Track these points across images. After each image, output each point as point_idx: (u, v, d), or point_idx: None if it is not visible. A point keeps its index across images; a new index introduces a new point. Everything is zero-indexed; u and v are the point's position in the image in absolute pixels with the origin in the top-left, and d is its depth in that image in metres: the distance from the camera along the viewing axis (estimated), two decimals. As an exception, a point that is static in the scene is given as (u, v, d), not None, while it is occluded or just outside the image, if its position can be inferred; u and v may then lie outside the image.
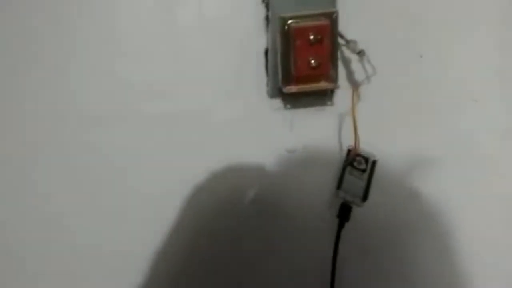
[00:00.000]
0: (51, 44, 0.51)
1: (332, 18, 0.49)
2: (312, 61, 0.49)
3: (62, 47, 0.51)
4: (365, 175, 0.52)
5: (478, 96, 0.57)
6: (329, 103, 0.55)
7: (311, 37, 0.48)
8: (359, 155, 0.51)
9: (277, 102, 0.54)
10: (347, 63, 0.54)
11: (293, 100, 0.54)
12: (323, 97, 0.55)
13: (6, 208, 0.53)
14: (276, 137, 0.55)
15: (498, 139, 0.58)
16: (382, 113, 0.55)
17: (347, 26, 0.51)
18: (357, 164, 0.52)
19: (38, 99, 0.52)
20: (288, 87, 0.50)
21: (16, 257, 0.54)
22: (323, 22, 0.48)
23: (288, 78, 0.50)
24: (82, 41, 0.51)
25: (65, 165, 0.53)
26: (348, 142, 0.53)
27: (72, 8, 0.51)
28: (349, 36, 0.52)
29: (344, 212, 0.52)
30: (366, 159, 0.52)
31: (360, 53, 0.49)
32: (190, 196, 0.54)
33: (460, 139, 0.57)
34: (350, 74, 0.55)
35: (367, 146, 0.53)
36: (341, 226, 0.52)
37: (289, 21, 0.49)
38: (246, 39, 0.53)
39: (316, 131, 0.55)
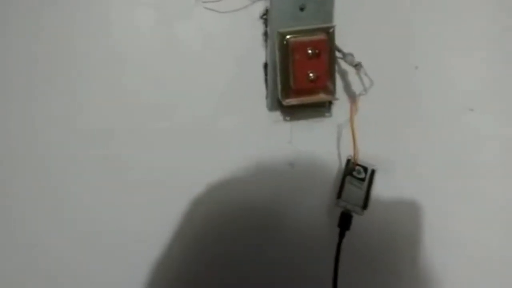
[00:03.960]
0: (58, 61, 0.52)
1: (329, 33, 0.50)
2: (311, 75, 0.50)
3: (68, 63, 0.52)
4: (365, 184, 0.53)
5: (473, 105, 0.58)
6: (327, 114, 0.56)
7: (309, 51, 0.49)
8: (358, 164, 0.52)
9: (277, 115, 0.55)
10: (344, 75, 0.56)
11: (292, 113, 0.55)
12: (322, 108, 0.56)
13: (20, 217, 0.54)
14: (276, 148, 0.56)
15: (495, 147, 0.59)
16: (379, 124, 0.57)
17: (344, 40, 0.53)
18: (356, 174, 0.53)
19: (47, 113, 0.53)
20: (287, 100, 0.51)
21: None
22: (320, 36, 0.50)
23: (287, 91, 0.51)
24: (87, 58, 0.52)
25: (74, 178, 0.54)
26: (347, 152, 0.54)
27: (78, 26, 0.52)
28: (346, 49, 0.53)
29: (344, 221, 0.53)
30: (365, 169, 0.53)
31: (357, 66, 0.50)
32: (192, 208, 0.54)
33: (457, 148, 0.58)
34: (348, 86, 0.56)
35: (365, 156, 0.54)
36: (342, 235, 0.53)
37: (288, 36, 0.50)
38: (245, 54, 0.54)
39: (315, 142, 0.56)
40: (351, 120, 0.50)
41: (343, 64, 0.54)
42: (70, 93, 0.52)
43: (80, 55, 0.52)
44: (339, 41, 0.53)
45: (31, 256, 0.54)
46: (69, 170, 0.53)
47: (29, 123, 0.53)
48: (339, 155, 0.56)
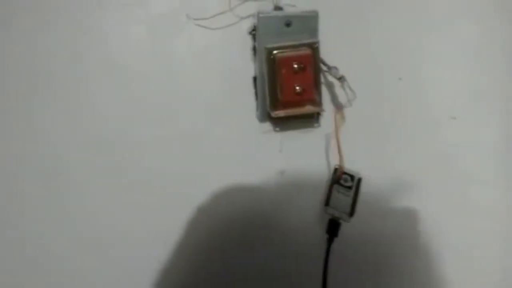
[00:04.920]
0: (51, 74, 0.54)
1: (313, 48, 0.53)
2: (297, 88, 0.52)
3: (62, 77, 0.54)
4: (351, 192, 0.54)
5: (456, 113, 0.60)
6: (316, 125, 0.58)
7: (295, 65, 0.52)
8: (345, 173, 0.54)
9: (267, 126, 0.57)
10: (331, 87, 0.58)
11: (282, 124, 0.57)
12: (310, 119, 0.58)
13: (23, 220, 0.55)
14: (266, 158, 0.57)
15: (477, 154, 0.61)
16: (366, 133, 0.59)
17: (330, 53, 0.55)
18: (343, 182, 0.55)
19: (44, 120, 0.55)
20: (276, 112, 0.53)
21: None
22: (306, 51, 0.52)
23: (275, 104, 0.54)
24: (81, 70, 0.54)
25: (76, 185, 0.55)
26: (335, 161, 0.56)
27: (74, 43, 0.54)
28: (331, 63, 0.55)
29: (332, 228, 0.55)
30: (352, 177, 0.55)
31: (341, 79, 0.52)
32: (183, 216, 0.56)
33: (440, 156, 0.60)
34: (334, 98, 0.58)
35: (352, 165, 0.56)
36: (330, 241, 0.54)
37: (274, 52, 0.52)
38: (235, 68, 0.57)
39: (304, 152, 0.58)
40: (336, 130, 0.52)
41: (329, 77, 0.56)
42: (66, 102, 0.54)
43: (73, 66, 0.54)
44: (325, 54, 0.55)
45: (33, 258, 0.55)
46: (72, 177, 0.55)
47: (30, 129, 0.54)
48: (328, 164, 0.58)
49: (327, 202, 0.55)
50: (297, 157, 0.58)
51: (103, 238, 0.56)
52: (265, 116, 0.56)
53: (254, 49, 0.56)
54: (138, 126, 0.55)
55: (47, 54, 0.54)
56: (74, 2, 0.54)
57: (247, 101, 0.57)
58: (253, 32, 0.55)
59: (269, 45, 0.53)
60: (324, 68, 0.55)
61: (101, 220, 0.56)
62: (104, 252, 0.56)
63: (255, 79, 0.56)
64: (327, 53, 0.55)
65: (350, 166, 0.56)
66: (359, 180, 0.55)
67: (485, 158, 0.61)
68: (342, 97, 0.57)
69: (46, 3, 0.54)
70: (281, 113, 0.53)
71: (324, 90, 0.58)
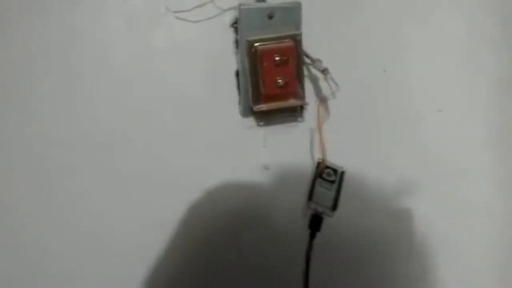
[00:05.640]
0: (30, 70, 0.53)
1: (296, 40, 0.52)
2: (279, 81, 0.51)
3: (41, 72, 0.53)
4: (334, 186, 0.54)
5: (441, 106, 0.60)
6: (300, 119, 0.57)
7: (277, 58, 0.51)
8: (328, 167, 0.54)
9: (250, 120, 0.57)
10: (315, 80, 0.57)
11: (265, 118, 0.56)
12: (294, 113, 0.57)
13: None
14: (250, 154, 0.57)
15: (463, 146, 0.60)
16: (351, 127, 0.58)
17: (315, 46, 0.55)
18: (326, 176, 0.54)
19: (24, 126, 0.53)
20: (258, 106, 0.53)
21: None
22: (288, 44, 0.51)
23: (258, 97, 0.53)
24: (60, 66, 0.53)
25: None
26: (319, 155, 0.56)
27: (51, 35, 0.52)
28: (315, 55, 0.55)
29: (315, 223, 0.54)
30: (335, 171, 0.54)
31: (324, 71, 0.52)
32: (168, 212, 0.55)
33: (426, 148, 0.59)
34: (318, 91, 0.58)
35: (337, 159, 0.56)
36: (312, 236, 0.54)
37: (256, 44, 0.52)
38: (218, 61, 0.55)
39: (289, 146, 0.57)
40: (319, 124, 0.52)
41: (313, 70, 0.55)
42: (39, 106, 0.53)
43: (53, 62, 0.53)
44: (308, 47, 0.55)
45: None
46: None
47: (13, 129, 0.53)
48: (312, 158, 0.58)
49: (310, 197, 0.54)
50: (281, 152, 0.57)
51: (91, 235, 0.55)
52: (248, 110, 0.56)
53: (237, 42, 0.55)
54: (117, 122, 0.54)
55: (25, 51, 0.53)
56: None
57: (230, 96, 0.56)
58: (235, 24, 0.54)
59: (251, 38, 0.52)
60: (308, 60, 0.55)
61: (87, 220, 0.55)
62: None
63: (237, 73, 0.55)
64: (310, 46, 0.55)
65: (334, 160, 0.56)
66: (342, 173, 0.54)
67: (471, 151, 0.60)
68: (326, 90, 0.56)
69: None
70: (263, 107, 0.53)
71: (307, 83, 0.57)
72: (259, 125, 0.57)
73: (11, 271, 0.54)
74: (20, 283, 0.54)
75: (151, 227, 0.55)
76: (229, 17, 0.55)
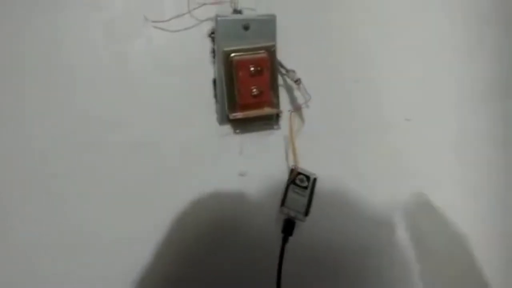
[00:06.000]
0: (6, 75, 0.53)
1: (270, 51, 0.54)
2: (254, 90, 0.53)
3: (16, 77, 0.53)
4: (307, 192, 0.56)
5: (410, 115, 0.62)
6: (275, 127, 0.59)
7: (252, 68, 0.53)
8: (300, 173, 0.56)
9: (227, 128, 0.58)
10: (290, 90, 0.59)
11: (242, 126, 0.58)
12: (270, 121, 0.59)
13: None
14: (227, 161, 0.58)
15: (431, 153, 0.63)
16: (324, 134, 0.60)
17: (289, 56, 0.56)
18: (299, 182, 0.56)
19: None
20: (233, 114, 0.54)
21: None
22: (262, 55, 0.53)
23: (233, 106, 0.55)
24: (35, 72, 0.53)
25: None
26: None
27: (27, 40, 0.52)
28: (290, 65, 0.57)
29: (288, 227, 0.56)
30: (308, 177, 0.56)
31: (297, 82, 0.54)
32: (145, 218, 0.56)
33: (395, 155, 0.62)
34: (293, 100, 0.60)
35: (310, 166, 0.57)
36: (285, 240, 0.55)
37: (232, 54, 0.53)
38: (195, 70, 0.57)
39: (265, 153, 0.59)
40: (291, 131, 0.54)
41: (288, 80, 0.57)
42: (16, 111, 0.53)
43: (29, 69, 0.53)
44: (284, 58, 0.56)
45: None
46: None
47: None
48: (287, 165, 0.59)
49: (283, 202, 0.56)
50: (257, 159, 0.59)
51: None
52: (225, 118, 0.57)
53: (213, 51, 0.56)
54: (96, 131, 0.55)
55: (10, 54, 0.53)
56: (27, 3, 0.53)
57: (207, 104, 0.58)
58: (212, 35, 0.56)
59: (227, 48, 0.54)
60: (282, 71, 0.57)
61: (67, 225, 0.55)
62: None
63: (214, 81, 0.57)
64: (286, 57, 0.57)
65: (308, 166, 0.57)
66: (315, 180, 0.56)
67: (440, 158, 0.63)
68: (300, 99, 0.58)
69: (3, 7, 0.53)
70: (239, 115, 0.54)
71: (283, 92, 0.59)
72: (235, 133, 0.58)
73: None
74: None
75: (130, 230, 0.56)
76: (206, 28, 0.56)
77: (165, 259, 0.57)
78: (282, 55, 0.56)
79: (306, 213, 0.55)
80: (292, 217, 0.56)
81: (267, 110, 0.55)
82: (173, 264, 0.57)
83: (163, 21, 0.55)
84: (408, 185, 0.62)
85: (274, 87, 0.55)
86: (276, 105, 0.56)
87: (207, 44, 0.57)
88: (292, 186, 0.56)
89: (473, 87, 0.64)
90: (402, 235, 0.61)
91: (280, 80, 0.58)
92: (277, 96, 0.56)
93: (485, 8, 0.64)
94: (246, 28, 0.55)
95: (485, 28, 0.65)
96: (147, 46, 0.56)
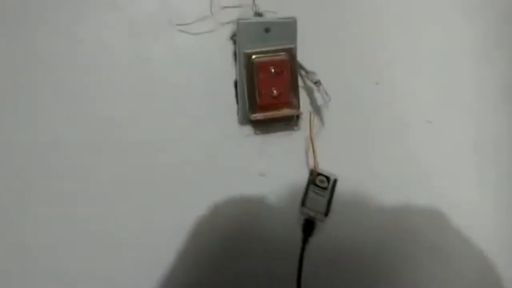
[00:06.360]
0: (28, 75, 0.55)
1: (291, 53, 0.55)
2: (274, 91, 0.54)
3: (38, 78, 0.55)
4: (327, 193, 0.56)
5: (432, 117, 0.62)
6: (296, 128, 0.60)
7: (272, 70, 0.54)
8: (321, 174, 0.56)
9: (248, 129, 0.59)
10: (310, 91, 0.60)
11: (262, 127, 0.59)
12: (290, 122, 0.59)
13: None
14: (248, 161, 0.59)
15: (452, 156, 0.62)
16: (344, 136, 0.60)
17: (310, 58, 0.57)
18: (319, 183, 0.56)
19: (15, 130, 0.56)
20: (254, 115, 0.55)
21: None
22: (282, 57, 0.54)
23: (254, 107, 0.55)
24: (58, 73, 0.55)
25: (51, 198, 0.55)
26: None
27: (48, 42, 0.55)
28: (311, 67, 0.57)
29: (308, 228, 0.56)
30: (328, 178, 0.56)
31: (317, 83, 0.54)
32: (166, 220, 0.57)
33: (417, 158, 0.61)
34: (313, 101, 0.60)
35: (330, 166, 0.58)
36: (305, 241, 0.56)
37: (253, 56, 0.54)
38: (218, 72, 0.58)
39: (285, 154, 0.59)
40: (311, 132, 0.54)
41: (308, 81, 0.58)
42: (40, 110, 0.55)
43: (51, 69, 0.55)
44: (305, 59, 0.57)
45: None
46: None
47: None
48: (307, 166, 0.60)
49: (303, 202, 0.56)
50: (277, 159, 0.59)
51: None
52: (246, 119, 0.58)
53: (235, 54, 0.57)
54: (120, 132, 0.56)
55: (31, 56, 0.55)
56: (51, 7, 0.55)
57: (228, 105, 0.59)
58: (234, 37, 0.57)
59: (248, 50, 0.55)
60: (303, 72, 0.57)
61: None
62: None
63: (236, 83, 0.58)
64: (306, 58, 0.57)
65: (329, 167, 0.58)
66: (335, 181, 0.56)
67: (462, 161, 0.62)
68: (320, 100, 0.59)
69: (25, 8, 0.55)
70: (259, 116, 0.55)
71: (303, 93, 0.59)
72: (256, 134, 0.59)
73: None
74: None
75: (151, 231, 0.57)
76: (228, 31, 0.58)
77: (185, 261, 0.57)
78: (302, 57, 0.57)
79: (326, 213, 0.55)
80: (312, 217, 0.56)
81: (287, 111, 0.56)
82: (194, 266, 0.58)
83: (186, 24, 0.56)
84: (428, 188, 0.61)
85: (294, 89, 0.56)
86: (297, 106, 0.56)
87: (229, 47, 0.58)
88: (312, 186, 0.56)
89: (493, 88, 0.63)
90: (422, 237, 0.60)
91: (300, 82, 0.58)
92: (298, 98, 0.56)
93: (503, 8, 0.63)
94: (267, 30, 0.55)
95: (504, 27, 0.64)
96: (171, 47, 0.57)
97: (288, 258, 0.58)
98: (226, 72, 0.58)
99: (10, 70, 0.55)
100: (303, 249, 0.55)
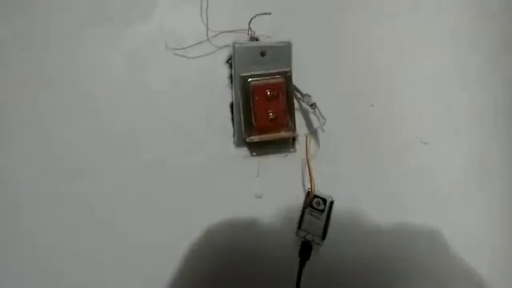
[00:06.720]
0: (32, 102, 0.56)
1: (286, 76, 0.55)
2: (270, 114, 0.54)
3: (41, 104, 0.56)
4: (324, 215, 0.56)
5: (427, 139, 0.62)
6: (292, 150, 0.60)
7: (268, 93, 0.54)
8: (317, 196, 0.56)
9: (244, 151, 0.59)
10: (306, 113, 0.60)
11: (259, 149, 0.59)
12: (286, 144, 0.60)
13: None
14: (244, 183, 0.59)
15: (449, 177, 0.62)
16: (340, 158, 0.60)
17: (305, 81, 0.58)
18: (316, 205, 0.56)
19: (21, 153, 0.56)
20: (250, 137, 0.55)
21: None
22: (278, 80, 0.55)
23: (250, 129, 0.56)
24: (61, 99, 0.56)
25: (52, 217, 0.56)
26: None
27: (49, 69, 0.56)
28: (306, 90, 0.58)
29: (304, 251, 0.56)
30: (324, 200, 0.56)
31: (312, 106, 0.55)
32: (161, 239, 0.56)
33: (412, 179, 0.61)
34: (309, 124, 0.60)
35: (327, 189, 0.58)
36: (302, 264, 0.55)
37: (249, 80, 0.55)
38: (213, 95, 0.59)
39: (281, 176, 0.59)
40: (307, 154, 0.54)
41: (304, 104, 0.58)
42: (44, 133, 0.56)
43: (53, 96, 0.56)
44: (300, 82, 0.58)
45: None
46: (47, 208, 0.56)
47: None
48: (303, 188, 0.60)
49: (299, 225, 0.56)
50: (273, 181, 0.59)
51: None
52: (242, 141, 0.58)
53: (231, 77, 0.58)
54: (120, 153, 0.57)
55: (22, 83, 0.56)
56: (52, 31, 0.56)
57: (224, 128, 0.59)
58: (230, 61, 0.58)
59: (244, 74, 0.55)
60: (298, 95, 0.58)
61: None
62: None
63: (232, 105, 0.58)
64: (301, 81, 0.58)
65: (325, 189, 0.58)
66: (331, 203, 0.56)
67: (457, 183, 0.62)
68: (316, 123, 0.59)
69: (25, 29, 0.56)
70: (255, 138, 0.55)
71: (299, 116, 0.60)
72: (252, 155, 0.59)
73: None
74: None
75: (145, 253, 0.56)
76: (224, 54, 0.58)
77: (180, 283, 0.57)
78: (297, 80, 0.58)
79: (323, 236, 0.55)
80: (308, 240, 0.56)
81: (283, 134, 0.56)
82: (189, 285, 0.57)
83: (183, 48, 0.57)
84: (425, 208, 0.61)
85: (290, 111, 0.56)
86: (293, 128, 0.57)
87: (225, 70, 0.59)
88: (308, 209, 0.56)
89: (487, 110, 0.64)
90: (419, 259, 0.60)
91: (296, 104, 0.59)
92: (294, 120, 0.57)
93: (497, 35, 0.65)
94: (262, 54, 0.56)
95: (503, 57, 0.65)
96: (168, 71, 0.58)
97: (285, 281, 0.57)
98: (223, 95, 0.59)
99: (11, 93, 0.56)
100: (300, 272, 0.55)
